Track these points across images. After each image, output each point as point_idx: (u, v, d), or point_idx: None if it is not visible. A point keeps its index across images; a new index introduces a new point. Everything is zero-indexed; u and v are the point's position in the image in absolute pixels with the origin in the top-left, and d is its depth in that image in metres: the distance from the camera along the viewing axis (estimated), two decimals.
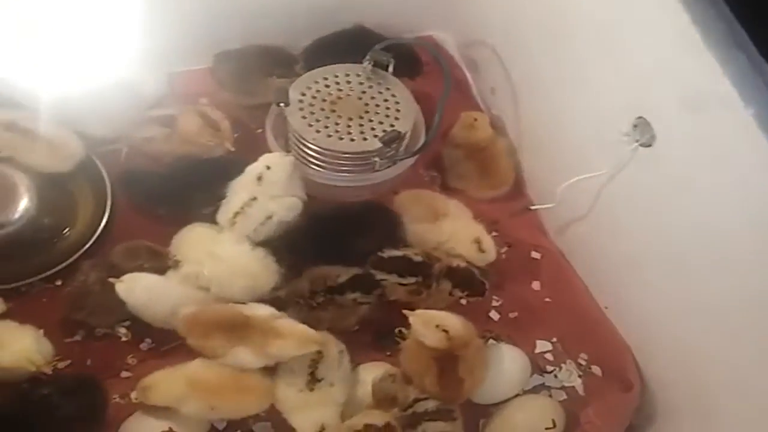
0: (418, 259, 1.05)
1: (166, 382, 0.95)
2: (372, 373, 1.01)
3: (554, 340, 1.11)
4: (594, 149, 1.02)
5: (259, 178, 1.06)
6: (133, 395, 1.01)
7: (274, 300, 1.03)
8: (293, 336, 0.95)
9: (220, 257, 1.04)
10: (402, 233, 1.11)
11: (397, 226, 1.11)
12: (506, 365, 1.03)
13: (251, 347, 0.94)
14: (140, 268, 1.03)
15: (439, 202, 1.14)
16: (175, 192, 1.13)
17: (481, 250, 1.10)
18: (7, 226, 1.08)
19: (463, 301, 1.10)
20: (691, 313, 0.92)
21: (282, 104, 1.12)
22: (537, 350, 1.10)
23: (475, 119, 1.21)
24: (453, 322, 0.97)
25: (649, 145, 0.89)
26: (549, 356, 1.10)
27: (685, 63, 0.80)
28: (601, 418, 1.01)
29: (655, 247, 0.96)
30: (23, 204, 1.09)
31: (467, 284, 1.06)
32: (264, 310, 0.98)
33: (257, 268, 1.04)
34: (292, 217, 1.08)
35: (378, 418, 0.93)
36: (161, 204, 1.14)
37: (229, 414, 0.99)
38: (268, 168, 1.06)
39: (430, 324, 0.96)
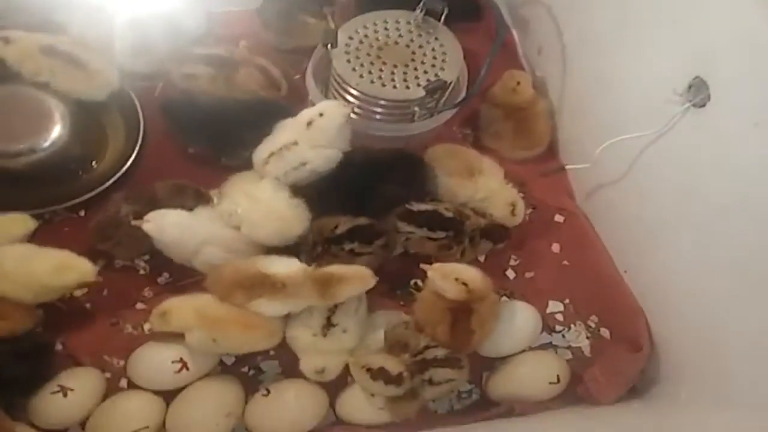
0: (449, 214, 1.06)
1: (178, 310, 0.97)
2: (387, 319, 1.04)
3: (567, 301, 1.13)
4: (641, 110, 1.01)
5: (309, 124, 1.05)
6: (146, 326, 1.03)
7: (285, 249, 1.04)
8: (356, 278, 0.96)
9: (257, 198, 1.04)
10: (431, 183, 1.11)
11: (425, 175, 1.11)
12: (517, 321, 1.05)
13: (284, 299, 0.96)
14: (182, 208, 1.04)
15: (473, 158, 1.14)
16: (209, 132, 1.12)
17: (514, 214, 1.12)
18: (38, 152, 1.08)
19: (482, 258, 1.13)
20: (714, 279, 0.92)
21: (329, 46, 1.10)
22: (548, 310, 1.11)
23: (519, 82, 1.21)
24: (472, 275, 0.99)
25: (702, 106, 0.89)
26: (559, 317, 1.11)
27: (755, 23, 0.79)
28: (605, 377, 1.03)
29: (688, 211, 0.96)
30: (56, 131, 1.09)
31: (501, 237, 1.09)
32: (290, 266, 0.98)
33: (290, 215, 1.04)
34: (327, 168, 1.08)
35: (392, 365, 0.96)
36: (193, 142, 1.15)
37: (231, 348, 1.00)
38: (321, 115, 1.05)
39: (450, 277, 0.97)
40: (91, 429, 0.96)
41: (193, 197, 1.06)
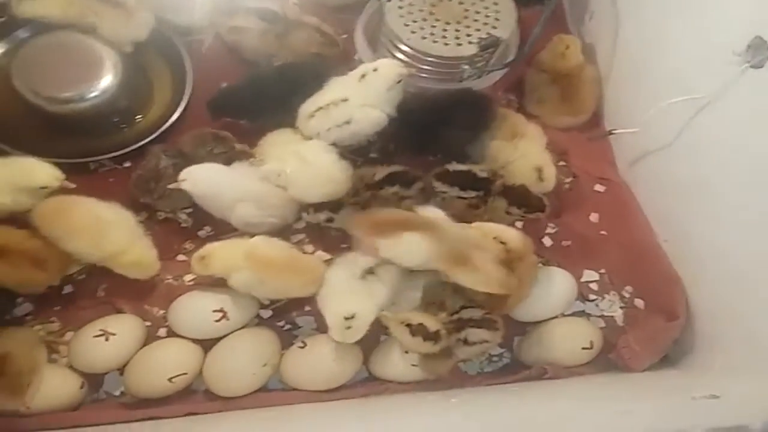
0: (483, 174, 1.06)
1: (225, 251, 0.99)
2: (425, 280, 1.03)
3: (602, 271, 1.13)
4: (695, 73, 1.00)
5: (363, 77, 1.06)
6: (186, 278, 1.06)
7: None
8: (486, 275, 0.96)
9: (305, 160, 1.04)
10: (492, 118, 1.11)
11: (488, 110, 1.11)
12: (552, 286, 1.06)
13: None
14: (210, 154, 1.06)
15: (519, 122, 1.14)
16: (256, 103, 1.12)
17: (541, 179, 1.10)
18: (87, 100, 1.10)
19: (519, 224, 1.12)
20: (754, 247, 0.92)
21: None
22: (583, 279, 1.11)
23: (568, 46, 1.20)
24: (512, 234, 1.00)
25: (761, 67, 0.88)
26: (594, 286, 1.12)
27: None
28: (639, 344, 1.03)
29: (736, 178, 0.95)
30: (106, 81, 1.12)
31: (523, 201, 1.07)
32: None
33: (339, 177, 1.05)
34: (371, 131, 1.09)
35: (430, 322, 0.96)
36: (241, 115, 1.15)
37: (276, 291, 1.02)
38: (376, 70, 1.05)
39: (489, 236, 0.98)
40: (129, 374, 0.98)
41: (215, 142, 1.07)
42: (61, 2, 1.13)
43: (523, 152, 1.11)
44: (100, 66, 1.12)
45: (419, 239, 0.95)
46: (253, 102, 1.11)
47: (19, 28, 1.19)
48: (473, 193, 1.06)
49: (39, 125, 1.14)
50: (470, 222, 1.02)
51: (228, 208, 1.04)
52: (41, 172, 1.00)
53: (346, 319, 0.97)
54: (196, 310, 1.02)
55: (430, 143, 1.08)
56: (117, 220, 1.00)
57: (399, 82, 1.05)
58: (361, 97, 1.06)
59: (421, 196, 1.06)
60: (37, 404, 0.95)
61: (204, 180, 1.02)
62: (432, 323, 0.96)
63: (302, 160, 1.04)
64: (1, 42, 1.20)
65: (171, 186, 1.01)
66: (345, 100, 1.06)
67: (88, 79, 1.11)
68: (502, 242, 0.98)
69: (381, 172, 1.05)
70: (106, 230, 0.98)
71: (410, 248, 0.95)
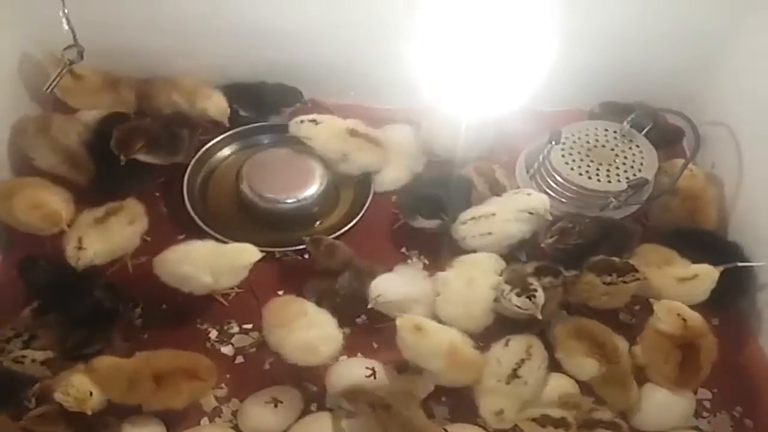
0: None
1: (436, 333, 1.10)
2: (559, 380, 1.15)
3: (715, 390, 1.19)
4: None
5: (515, 194, 1.29)
6: (341, 358, 1.16)
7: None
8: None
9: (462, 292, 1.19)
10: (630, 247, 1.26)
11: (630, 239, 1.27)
12: (674, 399, 1.13)
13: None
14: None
15: (673, 255, 1.25)
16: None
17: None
18: (292, 203, 1.35)
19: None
20: None
21: (554, 142, 1.33)
22: (697, 396, 1.17)
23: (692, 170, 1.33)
24: (692, 314, 1.13)
25: None
26: (707, 404, 1.18)
27: None
28: None
29: None
30: (311, 190, 1.37)
31: (610, 269, 1.16)
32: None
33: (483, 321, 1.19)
34: (504, 246, 1.27)
35: (555, 412, 1.07)
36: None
37: (445, 380, 1.11)
38: (529, 194, 1.27)
39: (673, 312, 1.12)
40: None
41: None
42: (339, 137, 1.36)
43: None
44: (310, 178, 1.38)
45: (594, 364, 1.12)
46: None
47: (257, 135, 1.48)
48: (573, 272, 1.19)
49: (244, 217, 1.39)
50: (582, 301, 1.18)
51: (400, 310, 1.16)
52: (247, 252, 1.17)
53: (496, 414, 1.09)
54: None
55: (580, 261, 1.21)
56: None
57: (532, 213, 1.24)
58: (504, 213, 1.25)
59: (563, 287, 1.18)
60: None
61: (389, 290, 1.16)
62: (554, 412, 1.07)
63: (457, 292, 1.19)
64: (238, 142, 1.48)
65: (370, 306, 1.15)
66: (493, 214, 1.26)
67: (298, 187, 1.37)
68: (683, 319, 1.11)
69: (530, 266, 1.18)
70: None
71: (585, 368, 1.13)
